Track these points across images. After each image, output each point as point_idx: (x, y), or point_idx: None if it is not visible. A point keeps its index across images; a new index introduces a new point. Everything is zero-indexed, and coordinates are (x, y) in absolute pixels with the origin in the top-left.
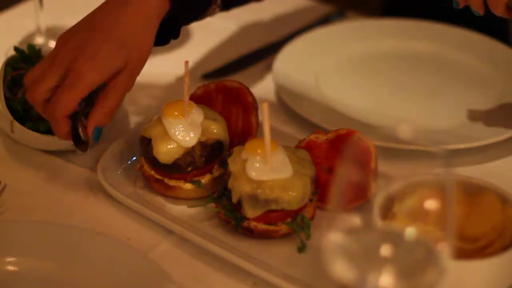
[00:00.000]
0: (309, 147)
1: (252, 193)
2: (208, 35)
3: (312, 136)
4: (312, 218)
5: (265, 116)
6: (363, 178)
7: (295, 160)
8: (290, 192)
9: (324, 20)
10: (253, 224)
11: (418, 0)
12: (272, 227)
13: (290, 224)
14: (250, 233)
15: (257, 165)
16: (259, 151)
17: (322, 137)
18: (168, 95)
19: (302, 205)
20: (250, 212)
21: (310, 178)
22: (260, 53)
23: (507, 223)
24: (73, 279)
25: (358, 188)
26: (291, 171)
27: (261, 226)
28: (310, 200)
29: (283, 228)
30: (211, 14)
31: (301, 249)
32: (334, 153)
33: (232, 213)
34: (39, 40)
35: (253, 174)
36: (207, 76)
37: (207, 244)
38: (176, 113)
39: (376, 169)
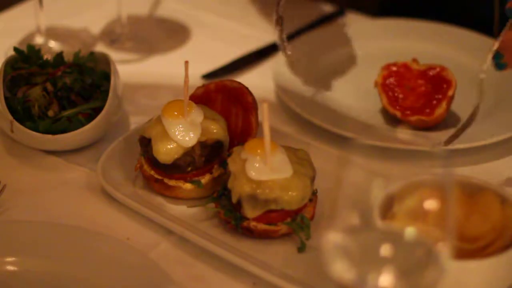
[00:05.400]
0: (404, 66)
1: (252, 193)
2: (208, 35)
3: (410, 61)
4: (312, 218)
5: (265, 116)
6: (437, 100)
7: (295, 160)
8: (289, 192)
9: (324, 20)
10: (253, 224)
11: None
12: (272, 227)
13: (290, 224)
14: (250, 233)
15: (257, 165)
16: (259, 151)
17: (416, 66)
18: (168, 95)
19: (302, 205)
20: (250, 212)
21: (310, 178)
22: (260, 53)
23: (507, 223)
24: (73, 279)
25: (429, 106)
26: (291, 171)
27: (261, 226)
28: (310, 200)
29: (283, 228)
30: None
31: (301, 249)
32: (421, 79)
33: (232, 213)
34: (39, 40)
35: (252, 174)
36: (207, 76)
37: (207, 244)
38: (176, 113)
39: (453, 97)
